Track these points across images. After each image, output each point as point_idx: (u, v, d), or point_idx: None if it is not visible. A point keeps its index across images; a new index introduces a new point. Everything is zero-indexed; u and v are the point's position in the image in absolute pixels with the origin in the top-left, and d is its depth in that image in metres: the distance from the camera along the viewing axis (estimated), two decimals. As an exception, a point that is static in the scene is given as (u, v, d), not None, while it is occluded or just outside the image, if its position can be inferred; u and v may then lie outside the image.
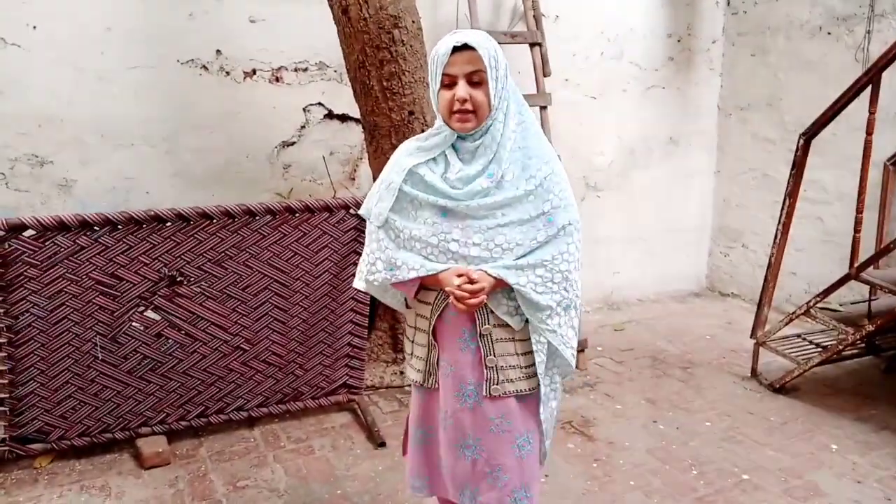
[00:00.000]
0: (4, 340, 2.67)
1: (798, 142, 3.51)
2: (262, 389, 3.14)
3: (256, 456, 2.98)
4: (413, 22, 3.09)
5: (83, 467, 2.87)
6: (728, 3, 4.79)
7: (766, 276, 3.71)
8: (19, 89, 3.24)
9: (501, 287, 1.74)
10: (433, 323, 1.84)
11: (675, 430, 3.19)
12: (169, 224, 2.80)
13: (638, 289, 4.94)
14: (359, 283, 1.93)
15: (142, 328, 2.88)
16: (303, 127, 3.81)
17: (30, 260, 2.63)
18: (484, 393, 1.81)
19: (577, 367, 3.74)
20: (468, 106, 1.67)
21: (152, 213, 2.77)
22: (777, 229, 3.64)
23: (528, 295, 1.72)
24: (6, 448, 2.77)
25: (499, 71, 1.70)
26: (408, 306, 1.95)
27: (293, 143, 3.81)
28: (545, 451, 1.95)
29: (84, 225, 2.68)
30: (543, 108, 3.85)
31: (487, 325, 1.79)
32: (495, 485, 1.84)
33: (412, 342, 1.93)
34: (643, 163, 4.79)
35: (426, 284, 1.80)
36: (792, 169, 3.55)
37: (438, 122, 1.78)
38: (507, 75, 1.73)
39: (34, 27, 3.24)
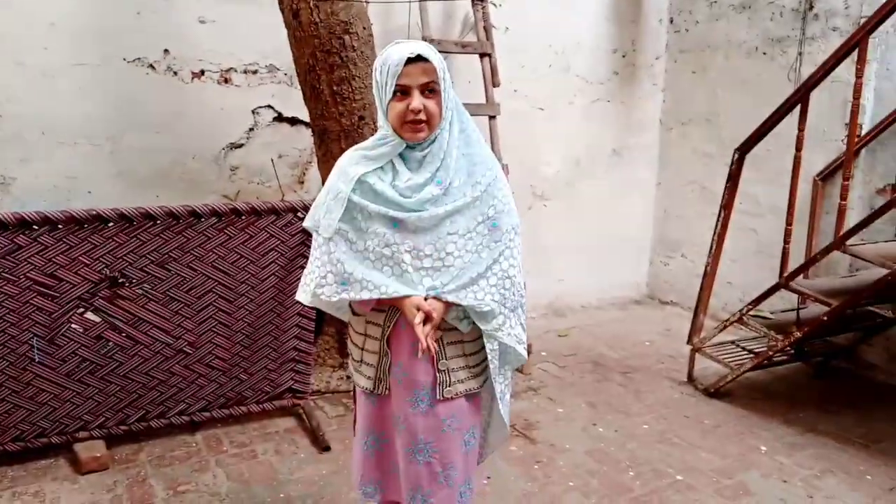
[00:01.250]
0: (-66, 341, 2.59)
1: (733, 156, 3.67)
2: (204, 393, 3.11)
3: (198, 461, 2.94)
4: (364, 28, 3.12)
5: (16, 473, 2.80)
6: (671, 22, 4.96)
7: (701, 285, 3.86)
8: (-44, 83, 3.15)
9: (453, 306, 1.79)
10: (388, 332, 1.85)
11: (614, 433, 3.28)
12: (111, 224, 2.76)
13: (581, 296, 5.05)
14: (303, 297, 1.89)
15: (81, 330, 2.83)
16: (251, 129, 3.79)
17: (-36, 258, 2.56)
18: (437, 396, 1.85)
19: (521, 371, 3.85)
20: (422, 116, 1.70)
21: (94, 212, 2.72)
22: (712, 240, 3.79)
23: (483, 308, 1.77)
24: (-67, 453, 2.68)
25: (447, 81, 1.75)
26: (354, 313, 1.94)
27: (241, 146, 3.78)
28: (506, 435, 2.08)
29: (22, 223, 2.63)
30: (492, 117, 3.92)
31: (439, 330, 1.81)
32: (447, 483, 1.89)
33: (361, 349, 1.92)
34: (588, 173, 4.91)
35: (382, 302, 1.80)
36: (727, 182, 3.71)
37: (384, 131, 1.78)
38: (451, 84, 1.78)
39: (-26, 20, 3.15)
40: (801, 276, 3.45)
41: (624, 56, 4.87)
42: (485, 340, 1.84)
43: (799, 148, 3.37)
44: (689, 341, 3.88)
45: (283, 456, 3.00)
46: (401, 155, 1.78)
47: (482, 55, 3.94)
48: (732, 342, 3.92)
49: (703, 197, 4.84)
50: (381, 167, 1.78)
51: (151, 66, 3.52)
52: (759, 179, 4.26)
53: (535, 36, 4.48)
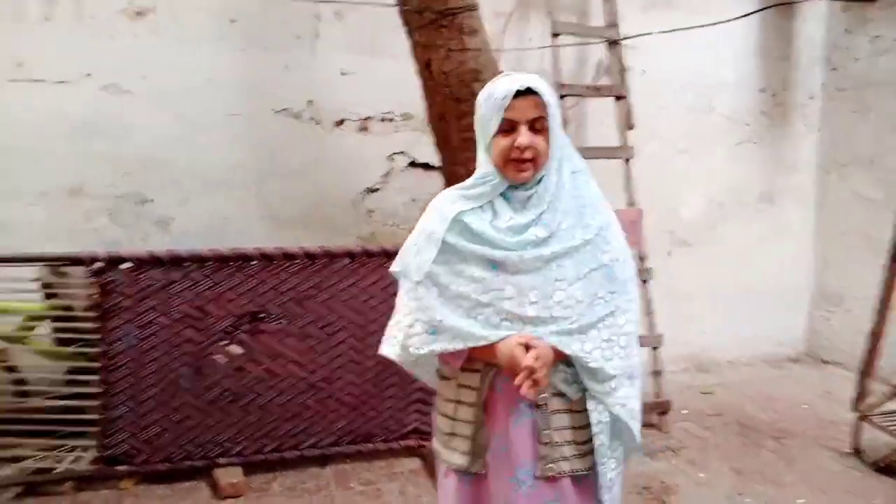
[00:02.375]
0: (100, 365, 2.86)
1: (902, 200, 3.31)
2: (335, 428, 3.19)
3: (326, 495, 3.00)
4: (493, 75, 3.16)
5: (164, 492, 2.98)
6: (827, 59, 4.63)
7: (868, 345, 3.46)
8: (128, 132, 3.53)
9: (561, 357, 1.58)
10: (484, 395, 1.64)
11: (762, 504, 2.98)
12: (254, 262, 2.97)
13: (728, 350, 4.71)
14: (387, 350, 1.72)
15: (225, 361, 3.01)
16: (387, 174, 3.94)
17: (126, 291, 2.84)
18: (538, 473, 1.61)
19: (658, 429, 3.63)
20: (528, 154, 1.56)
21: (239, 251, 2.94)
22: (881, 294, 3.40)
23: (591, 363, 1.57)
24: (95, 468, 2.93)
25: (557, 118, 1.61)
26: (443, 377, 1.74)
27: (377, 190, 3.94)
28: None
29: (176, 260, 2.88)
30: (627, 160, 3.83)
31: (544, 395, 1.60)
32: None
33: (453, 419, 1.68)
34: (734, 218, 4.65)
35: (474, 354, 1.61)
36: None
37: (484, 169, 1.64)
38: (561, 121, 1.65)
39: (144, 76, 3.54)
40: None
41: (773, 95, 4.61)
42: (589, 409, 1.59)
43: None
44: (855, 408, 3.46)
45: (407, 497, 2.99)
46: (503, 195, 1.63)
47: (617, 97, 3.88)
48: (907, 410, 3.46)
49: (869, 245, 4.38)
50: (481, 207, 1.63)
51: (296, 115, 3.77)
52: (935, 226, 3.80)
53: (675, 76, 4.35)
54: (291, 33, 3.73)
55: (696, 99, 4.45)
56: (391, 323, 1.74)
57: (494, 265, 1.58)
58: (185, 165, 3.63)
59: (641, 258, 3.79)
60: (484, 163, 1.64)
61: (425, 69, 3.10)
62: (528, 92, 1.56)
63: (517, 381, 1.50)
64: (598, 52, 4.11)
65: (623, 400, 1.60)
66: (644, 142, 4.07)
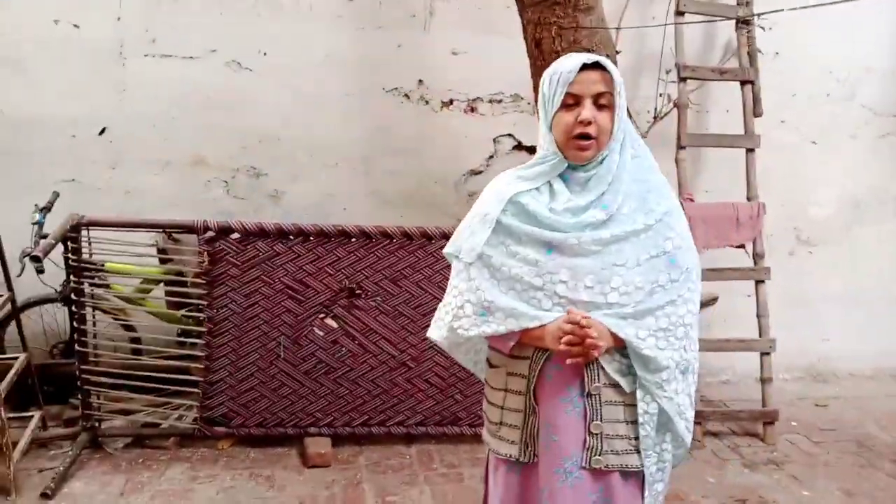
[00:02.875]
0: (205, 329, 3.01)
1: None
2: (422, 408, 3.22)
3: (409, 474, 3.03)
4: (608, 56, 3.01)
5: (256, 455, 3.12)
6: None
7: None
8: (246, 108, 3.65)
9: (617, 343, 1.53)
10: (533, 383, 1.60)
11: (876, 534, 2.73)
12: (353, 240, 3.01)
13: (851, 361, 4.33)
14: (435, 333, 1.70)
15: (321, 334, 3.09)
16: (491, 157, 3.88)
17: (233, 260, 2.96)
18: (583, 464, 1.56)
19: (762, 440, 3.41)
20: (591, 130, 1.51)
21: (339, 228, 2.99)
22: None
23: (644, 350, 1.51)
24: (196, 427, 3.10)
25: (622, 97, 1.55)
26: (491, 365, 1.71)
27: (480, 172, 3.89)
28: None
29: (280, 233, 2.97)
30: (750, 150, 3.57)
31: (597, 384, 1.55)
32: None
33: (501, 408, 1.66)
34: (870, 219, 4.25)
35: (524, 340, 1.57)
36: None
37: (543, 150, 1.60)
38: (625, 105, 1.58)
39: (264, 53, 3.63)
40: None
41: (928, 84, 4.13)
42: (638, 397, 1.55)
43: None
44: None
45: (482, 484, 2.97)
46: (561, 176, 1.59)
47: (744, 82, 3.61)
48: None
49: None
50: (538, 188, 1.58)
51: (406, 95, 3.77)
52: None
53: (812, 61, 4.00)
54: (406, 11, 3.71)
55: (836, 86, 4.08)
56: (440, 305, 1.71)
57: (550, 248, 1.54)
58: (300, 141, 3.72)
59: (759, 256, 3.55)
60: (545, 143, 1.60)
61: (535, 48, 3.00)
62: (595, 67, 1.53)
63: (564, 339, 1.47)
64: (728, 31, 3.83)
65: (671, 394, 1.55)
66: (771, 131, 3.77)
